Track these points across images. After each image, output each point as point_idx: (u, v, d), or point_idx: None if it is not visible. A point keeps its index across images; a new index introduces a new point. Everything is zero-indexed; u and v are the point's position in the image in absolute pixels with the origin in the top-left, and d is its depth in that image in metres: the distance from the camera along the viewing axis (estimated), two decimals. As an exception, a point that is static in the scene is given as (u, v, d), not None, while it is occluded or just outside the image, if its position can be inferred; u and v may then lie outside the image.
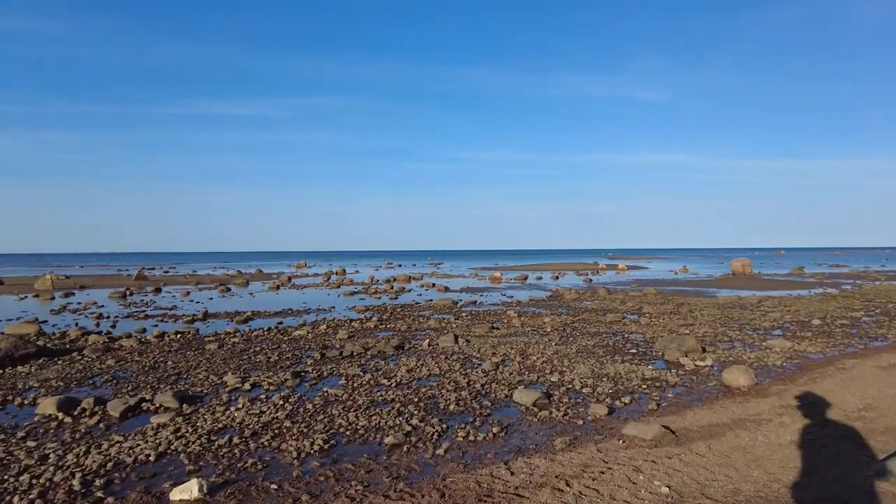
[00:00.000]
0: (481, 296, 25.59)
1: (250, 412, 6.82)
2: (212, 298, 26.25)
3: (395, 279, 39.77)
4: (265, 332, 14.19)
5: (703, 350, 10.32)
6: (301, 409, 6.96)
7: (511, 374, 8.81)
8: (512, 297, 24.70)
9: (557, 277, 40.30)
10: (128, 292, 29.98)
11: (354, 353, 11.03)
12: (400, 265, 73.59)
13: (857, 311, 16.52)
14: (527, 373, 8.91)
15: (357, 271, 54.84)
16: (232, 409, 7.06)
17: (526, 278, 38.94)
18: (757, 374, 8.34)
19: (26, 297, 28.35)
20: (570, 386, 7.88)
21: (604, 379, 8.26)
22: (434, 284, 32.94)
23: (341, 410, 6.84)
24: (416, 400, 7.33)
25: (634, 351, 10.64)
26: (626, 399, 7.07)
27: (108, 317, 18.77)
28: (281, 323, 16.56)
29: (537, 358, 10.01)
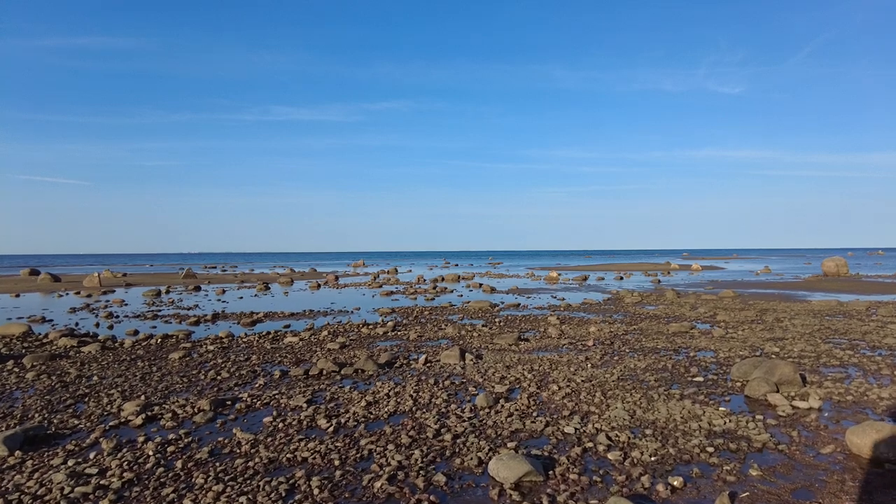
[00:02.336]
0: (528, 298, 22.74)
1: (80, 472, 4.50)
2: (242, 297, 24.97)
3: (443, 279, 37.50)
4: (256, 338, 12.22)
5: (804, 381, 7.11)
6: (157, 472, 4.55)
7: (511, 415, 6.08)
8: (563, 299, 21.73)
9: (622, 278, 36.54)
10: (165, 291, 29.41)
11: (324, 372, 8.61)
12: (457, 265, 71.33)
13: None
14: (535, 413, 6.13)
15: (410, 271, 53.05)
16: (70, 462, 4.77)
17: (586, 279, 35.53)
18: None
19: (67, 294, 28.14)
20: (591, 444, 5.04)
21: (647, 431, 5.34)
22: (481, 285, 30.29)
23: (208, 480, 4.37)
24: (336, 463, 4.76)
25: (701, 379, 7.57)
26: (678, 479, 4.16)
27: (119, 316, 17.49)
28: (289, 326, 14.67)
29: (559, 387, 7.20)
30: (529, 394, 6.98)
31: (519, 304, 19.91)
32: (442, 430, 5.60)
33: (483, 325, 13.78)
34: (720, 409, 6.12)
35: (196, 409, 6.60)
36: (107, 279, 38.44)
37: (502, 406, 6.42)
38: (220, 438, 5.56)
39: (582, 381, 7.58)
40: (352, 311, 18.49)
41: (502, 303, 20.25)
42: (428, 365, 9.04)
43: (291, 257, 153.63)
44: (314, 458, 4.89)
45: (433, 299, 22.79)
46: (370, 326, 13.89)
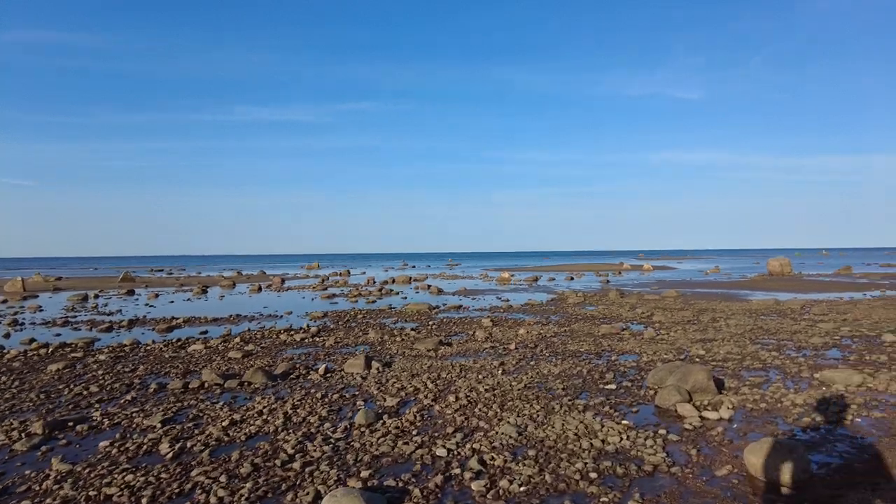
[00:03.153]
0: (473, 299, 22.09)
1: None
2: (173, 302, 23.53)
3: (393, 280, 36.61)
4: (161, 346, 11.16)
5: (721, 388, 6.57)
6: None
7: (386, 434, 5.29)
8: (507, 300, 21.17)
9: (572, 279, 36.36)
10: (94, 296, 27.63)
11: (206, 385, 7.65)
12: (414, 266, 70.42)
13: (941, 320, 12.32)
14: (414, 432, 5.36)
15: (364, 273, 51.87)
16: None
17: (537, 280, 35.20)
18: (813, 447, 4.59)
19: (-19, 300, 26.00)
20: (459, 470, 4.29)
21: (530, 452, 4.64)
22: (430, 287, 29.53)
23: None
24: (143, 502, 3.88)
25: (613, 387, 6.95)
26: (542, 516, 3.44)
27: (24, 324, 15.98)
28: (206, 332, 13.62)
29: (457, 398, 6.47)
30: (421, 407, 6.22)
31: (461, 306, 19.22)
32: (297, 455, 4.77)
33: (412, 329, 13.01)
34: (623, 422, 5.48)
35: (23, 434, 5.58)
36: (36, 283, 36.04)
37: (383, 423, 5.63)
38: (27, 472, 4.59)
39: (485, 389, 6.87)
40: (281, 316, 17.47)
41: (443, 305, 19.54)
42: (327, 375, 8.18)
43: (250, 260, 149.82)
44: (121, 496, 3.99)
45: (374, 302, 21.90)
46: (291, 332, 12.94)
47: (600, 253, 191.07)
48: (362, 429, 5.52)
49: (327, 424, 5.71)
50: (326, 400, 6.72)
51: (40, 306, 21.92)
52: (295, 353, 10.41)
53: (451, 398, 6.52)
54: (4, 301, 24.80)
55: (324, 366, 8.45)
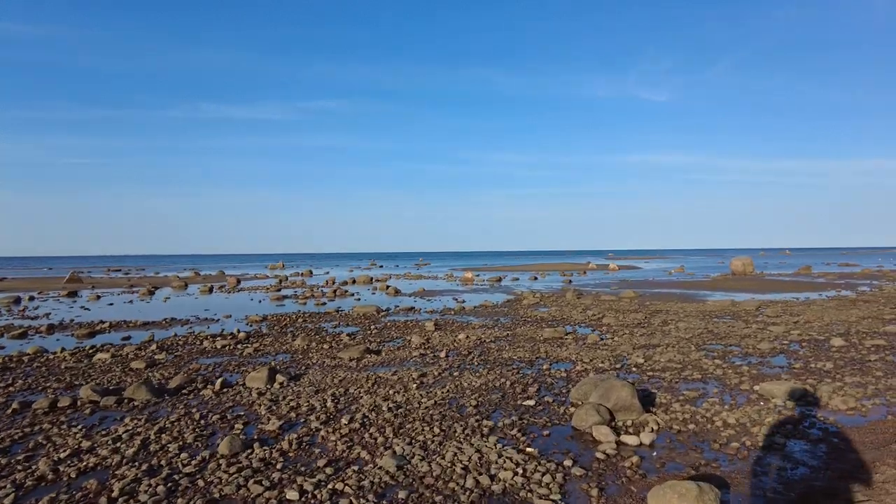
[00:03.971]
0: (429, 301, 21.28)
1: None
2: (112, 304, 22.15)
3: (354, 281, 35.59)
4: (67, 355, 10.17)
5: (650, 405, 5.86)
6: None
7: (243, 469, 4.50)
8: (463, 301, 20.44)
9: (536, 278, 35.85)
10: (29, 298, 25.95)
11: (79, 402, 6.66)
12: (381, 266, 69.34)
13: (890, 322, 11.95)
14: (280, 465, 4.57)
15: (327, 272, 50.61)
16: None
17: (500, 280, 34.58)
18: (734, 483, 3.88)
19: None
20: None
21: (400, 495, 3.82)
22: (388, 287, 28.58)
23: None
24: None
25: (533, 402, 6.18)
26: None
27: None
28: (129, 338, 12.64)
29: (351, 420, 5.64)
30: (306, 432, 5.36)
31: (412, 308, 18.39)
32: (120, 499, 3.85)
33: (348, 335, 12.13)
34: (527, 449, 4.71)
35: None
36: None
37: (249, 454, 4.75)
38: None
39: (389, 408, 6.03)
40: (218, 319, 16.38)
41: (395, 307, 18.68)
42: (223, 391, 7.24)
43: (216, 259, 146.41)
44: None
45: (324, 304, 20.91)
46: (217, 338, 11.93)
47: (571, 252, 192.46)
48: (221, 460, 4.63)
49: (185, 455, 4.81)
50: (203, 422, 5.81)
51: (-41, 310, 20.36)
52: (207, 362, 9.45)
53: (345, 420, 5.67)
54: (-75, 304, 23.04)
55: (220, 380, 7.51)
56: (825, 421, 5.31)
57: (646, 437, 4.87)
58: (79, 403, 6.73)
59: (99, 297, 24.79)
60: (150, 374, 8.52)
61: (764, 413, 5.51)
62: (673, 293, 22.12)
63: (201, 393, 7.16)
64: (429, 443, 4.93)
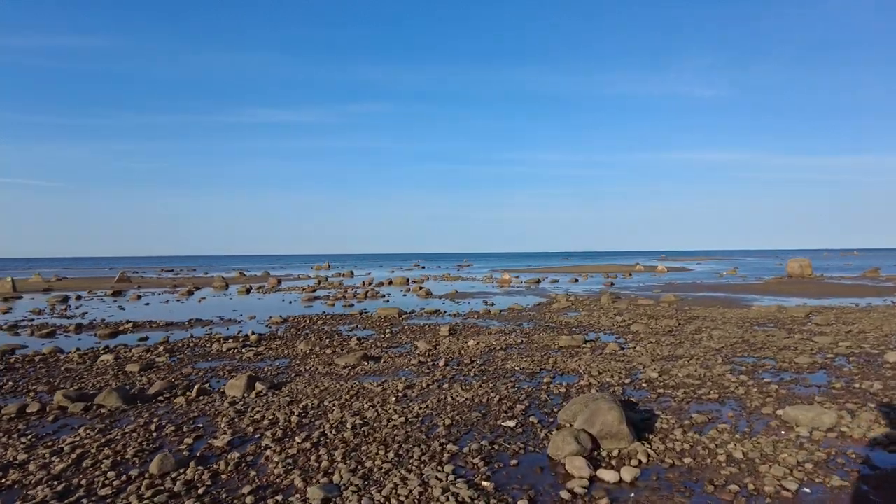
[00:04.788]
0: (458, 303, 20.72)
1: None
2: (148, 304, 22.67)
3: (390, 282, 35.41)
4: (76, 356, 10.13)
5: (647, 430, 5.06)
6: None
7: (160, 493, 3.99)
8: (492, 304, 19.80)
9: (577, 280, 34.62)
10: (76, 297, 27.02)
11: (49, 409, 6.45)
12: (423, 266, 69.24)
13: (965, 334, 10.46)
14: (202, 490, 4.10)
15: (368, 273, 50.78)
16: None
17: (538, 282, 33.59)
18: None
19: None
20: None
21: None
22: (422, 289, 28.17)
23: None
24: None
25: (513, 424, 5.49)
26: None
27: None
28: (146, 339, 12.64)
29: (306, 439, 5.16)
30: (254, 450, 4.89)
31: (437, 311, 17.85)
32: (4, 532, 3.45)
33: (358, 339, 11.76)
34: (484, 483, 4.05)
35: None
36: (31, 284, 35.80)
37: (177, 475, 4.31)
38: None
39: (353, 426, 5.49)
40: (241, 321, 16.34)
41: (421, 309, 18.19)
42: (197, 399, 6.89)
43: (269, 260, 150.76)
44: None
45: (351, 306, 20.67)
46: (229, 341, 11.75)
47: (621, 254, 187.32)
48: (146, 481, 4.20)
49: (112, 473, 4.42)
50: (154, 435, 5.42)
51: (10, 308, 21.29)
52: (203, 366, 9.20)
53: (300, 438, 5.16)
54: (-20, 302, 24.27)
55: (197, 387, 7.16)
56: (858, 460, 4.37)
57: (628, 473, 4.10)
58: (48, 409, 6.51)
59: (139, 298, 25.46)
60: (139, 378, 8.30)
61: (780, 446, 4.62)
62: (717, 297, 20.65)
63: (175, 401, 6.82)
64: (375, 470, 4.34)
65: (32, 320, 16.86)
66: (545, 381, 7.36)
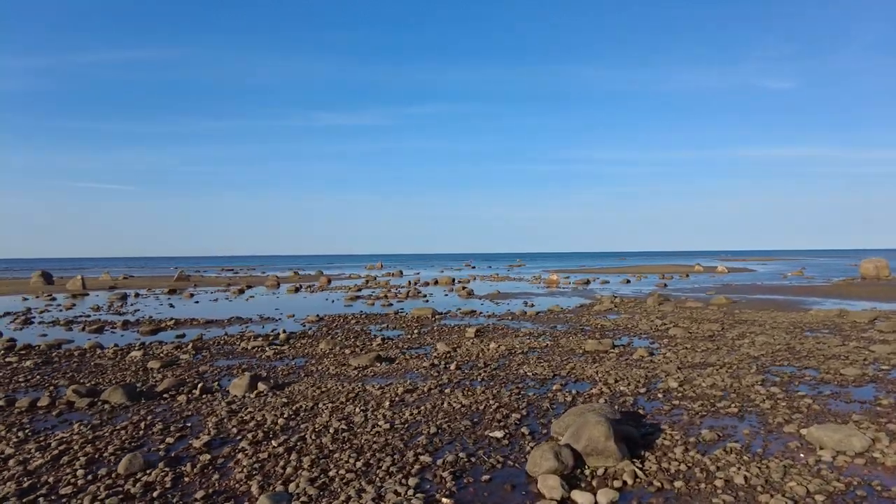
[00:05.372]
0: (497, 304, 20.36)
1: None
2: (198, 302, 23.53)
3: (436, 282, 35.37)
4: (110, 352, 10.54)
5: (644, 450, 4.60)
6: None
7: (115, 495, 3.89)
8: (532, 305, 19.32)
9: (628, 282, 33.38)
10: (135, 294, 28.45)
11: (56, 403, 6.64)
12: (474, 266, 68.94)
13: None
14: (156, 494, 3.98)
15: (417, 273, 51.04)
16: None
17: (588, 283, 32.64)
18: None
19: (36, 297, 27.40)
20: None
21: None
22: (465, 289, 27.94)
23: None
24: None
25: (500, 434, 5.15)
26: None
27: (33, 322, 16.17)
28: (183, 336, 13.16)
29: (283, 443, 5.04)
30: (229, 452, 4.82)
31: (472, 311, 17.57)
32: (-49, 529, 3.46)
33: (384, 339, 11.68)
34: (444, 500, 3.75)
35: None
36: (102, 281, 38.10)
37: (141, 476, 4.28)
38: None
39: (336, 430, 5.31)
40: (279, 319, 16.64)
41: (457, 310, 17.96)
42: (202, 396, 6.93)
43: (331, 259, 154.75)
44: None
45: (390, 305, 20.69)
46: (259, 339, 11.91)
47: (683, 254, 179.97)
48: (108, 481, 4.17)
49: (83, 472, 4.41)
50: (141, 433, 5.44)
51: (74, 304, 22.60)
52: (222, 364, 9.35)
53: (277, 441, 5.02)
54: (52, 298, 25.92)
55: (200, 385, 7.20)
56: (885, 493, 3.76)
57: (604, 497, 3.69)
58: (56, 404, 6.68)
59: (191, 296, 26.48)
60: (156, 374, 8.47)
61: (793, 472, 4.05)
62: (774, 300, 19.27)
63: (177, 399, 6.86)
64: (337, 479, 4.12)
65: (89, 316, 17.77)
66: (554, 388, 6.94)
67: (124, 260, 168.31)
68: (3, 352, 10.64)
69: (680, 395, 6.44)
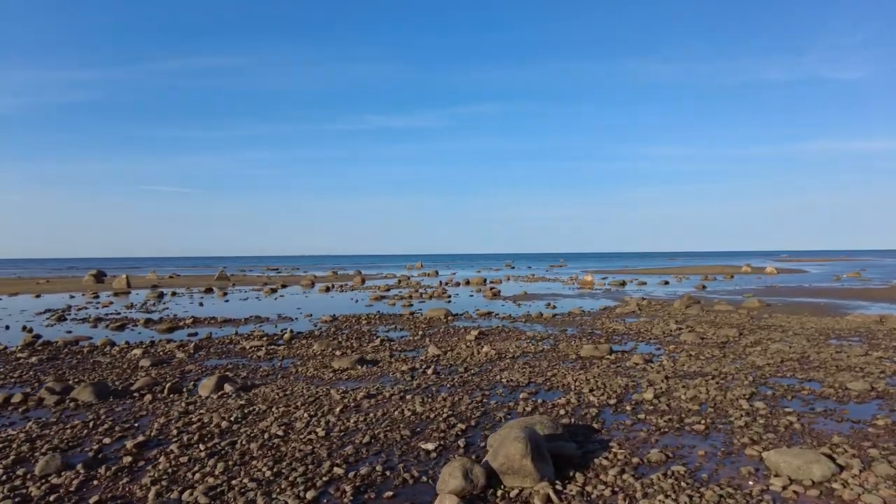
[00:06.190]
0: (519, 305, 19.97)
1: None
2: (228, 301, 24.12)
3: (468, 282, 35.13)
4: (117, 349, 10.83)
5: (576, 470, 4.24)
6: None
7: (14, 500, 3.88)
8: (554, 307, 18.83)
9: (667, 283, 32.13)
10: (172, 293, 29.39)
11: (27, 400, 6.79)
12: (513, 267, 68.19)
13: None
14: (53, 498, 3.88)
15: (454, 273, 50.92)
16: None
17: (623, 284, 31.66)
18: None
19: (83, 295, 28.75)
20: None
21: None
22: (492, 289, 27.59)
23: None
24: None
25: (433, 446, 4.86)
26: None
27: (67, 319, 16.94)
28: (195, 334, 13.41)
29: (204, 449, 4.89)
30: (153, 456, 4.73)
31: (489, 313, 17.28)
32: None
33: (384, 340, 11.55)
34: (330, 518, 3.50)
35: None
36: (148, 280, 39.77)
37: (53, 478, 4.23)
38: None
39: (272, 436, 5.17)
40: (296, 319, 16.81)
41: (476, 311, 17.69)
42: (169, 396, 6.96)
43: (378, 259, 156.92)
44: None
45: (410, 306, 20.61)
46: (262, 338, 12.03)
47: (738, 254, 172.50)
48: (17, 482, 4.15)
49: (0, 471, 4.41)
50: (85, 432, 5.46)
51: (112, 302, 23.59)
52: (213, 364, 9.43)
53: (206, 445, 4.93)
54: (96, 296, 27.17)
55: (169, 385, 7.23)
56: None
57: (500, 522, 3.36)
58: (28, 401, 6.83)
59: (224, 295, 27.15)
60: (144, 373, 8.60)
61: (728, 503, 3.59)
62: (814, 303, 18.01)
63: (144, 398, 6.90)
64: (236, 489, 3.97)
65: (119, 314, 18.46)
66: (521, 396, 6.59)
67: (182, 260, 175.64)
68: (22, 347, 11.09)
69: (651, 408, 5.96)
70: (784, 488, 3.82)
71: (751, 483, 3.93)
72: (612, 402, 6.23)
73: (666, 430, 5.20)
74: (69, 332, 14.12)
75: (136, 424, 5.75)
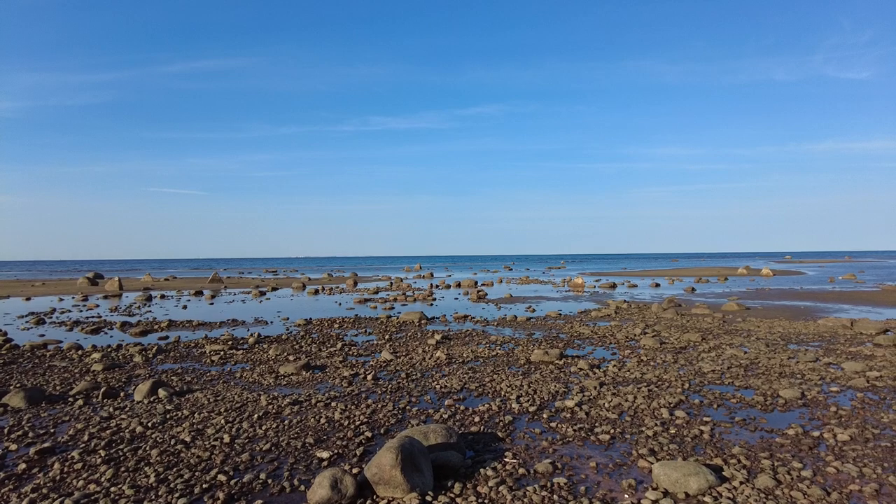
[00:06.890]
0: (500, 308, 19.93)
1: None
2: (212, 304, 24.13)
3: (458, 284, 35.12)
4: (78, 353, 10.80)
5: (448, 484, 4.24)
6: None
7: None
8: (534, 310, 18.83)
9: (658, 285, 31.99)
10: (161, 296, 29.45)
11: (-53, 408, 6.81)
12: (511, 269, 68.06)
13: None
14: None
15: (449, 275, 50.88)
16: None
17: (614, 286, 31.57)
18: None
19: (64, 299, 28.83)
20: None
21: None
22: (479, 292, 27.56)
23: None
24: None
25: (327, 455, 4.85)
26: None
27: (45, 322, 17.02)
28: (166, 338, 13.40)
29: (104, 456, 4.90)
30: (52, 462, 4.72)
31: (465, 316, 17.25)
32: None
33: (346, 344, 11.54)
34: (186, 529, 3.49)
35: None
36: (142, 283, 39.97)
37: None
38: None
39: (177, 442, 5.17)
40: (271, 322, 16.84)
41: (454, 314, 17.66)
42: (103, 401, 6.99)
43: (383, 260, 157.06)
44: None
45: (391, 308, 20.62)
46: (227, 343, 12.04)
47: (742, 255, 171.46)
48: None
49: None
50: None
51: (98, 305, 23.69)
52: (166, 368, 9.47)
53: (106, 451, 4.92)
54: (85, 298, 27.32)
55: (102, 390, 7.25)
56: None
57: (351, 535, 3.34)
58: (-36, 405, 6.85)
59: (212, 297, 27.22)
60: (92, 377, 8.62)
61: (588, 515, 3.55)
62: (794, 306, 17.87)
63: (75, 403, 6.91)
64: (110, 494, 3.96)
65: (100, 317, 18.53)
66: (447, 403, 6.55)
67: (186, 262, 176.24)
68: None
69: (568, 416, 5.92)
70: (655, 502, 3.77)
71: (626, 497, 3.89)
72: (532, 409, 6.19)
73: (571, 439, 5.16)
74: (42, 335, 14.18)
75: (53, 430, 5.76)
